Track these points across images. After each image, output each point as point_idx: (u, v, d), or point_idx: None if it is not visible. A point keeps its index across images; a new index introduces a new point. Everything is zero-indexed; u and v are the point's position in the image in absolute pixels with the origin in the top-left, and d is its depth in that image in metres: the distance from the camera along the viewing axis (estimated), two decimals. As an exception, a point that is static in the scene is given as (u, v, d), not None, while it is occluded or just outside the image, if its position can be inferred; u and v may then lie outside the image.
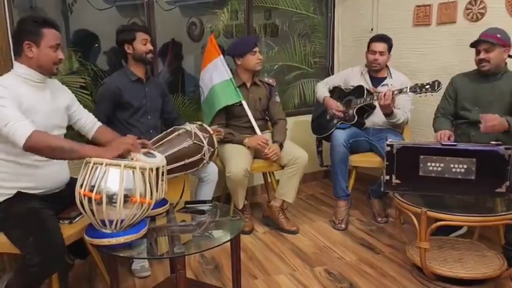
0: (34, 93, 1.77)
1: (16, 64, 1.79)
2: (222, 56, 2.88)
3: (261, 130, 2.88)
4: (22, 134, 1.61)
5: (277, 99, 3.00)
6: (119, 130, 2.40)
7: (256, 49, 2.81)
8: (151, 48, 2.49)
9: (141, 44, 2.45)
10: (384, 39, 2.91)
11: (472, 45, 2.41)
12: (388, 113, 2.75)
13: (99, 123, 2.07)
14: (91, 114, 2.08)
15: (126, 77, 2.48)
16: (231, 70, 2.87)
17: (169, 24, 3.26)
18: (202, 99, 2.96)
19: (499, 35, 2.33)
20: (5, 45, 2.42)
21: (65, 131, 1.94)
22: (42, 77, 1.82)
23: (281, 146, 2.78)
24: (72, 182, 1.89)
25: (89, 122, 2.04)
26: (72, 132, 2.12)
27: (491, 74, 2.40)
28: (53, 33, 1.79)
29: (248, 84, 2.90)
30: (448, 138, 2.37)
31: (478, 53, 2.39)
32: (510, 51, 2.39)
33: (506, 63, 2.41)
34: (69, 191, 1.77)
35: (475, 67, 2.49)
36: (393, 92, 2.68)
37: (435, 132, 2.55)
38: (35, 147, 1.63)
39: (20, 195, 1.76)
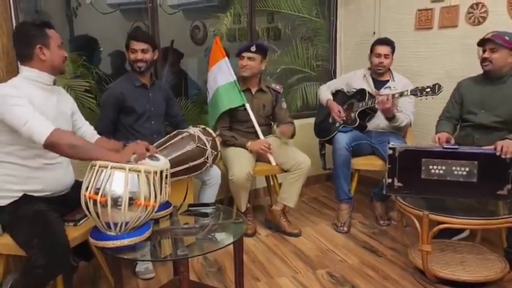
0: (43, 96, 1.79)
1: (24, 68, 1.79)
2: (227, 58, 2.90)
3: (265, 135, 2.89)
4: (43, 131, 1.62)
5: (284, 105, 2.99)
6: (122, 135, 2.43)
7: (245, 54, 2.79)
8: (141, 58, 2.44)
9: (130, 53, 2.45)
10: (388, 42, 2.93)
11: (479, 44, 2.42)
12: (390, 116, 2.76)
13: (97, 135, 2.07)
14: (91, 126, 2.08)
15: (130, 82, 2.49)
16: (235, 73, 2.88)
17: (173, 28, 3.29)
18: (208, 101, 2.98)
19: (507, 37, 2.32)
20: (11, 49, 2.45)
21: None
22: (51, 79, 1.84)
23: (292, 135, 2.86)
24: (77, 185, 1.91)
25: (88, 133, 2.05)
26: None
27: (497, 77, 2.39)
28: (55, 33, 1.83)
29: (253, 90, 2.91)
30: (447, 142, 2.38)
31: (483, 52, 2.39)
32: None
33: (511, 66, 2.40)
34: (74, 194, 1.79)
35: (477, 71, 2.50)
36: (394, 95, 2.69)
37: (436, 133, 2.56)
38: (57, 143, 1.63)
39: (26, 198, 1.78)
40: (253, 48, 2.79)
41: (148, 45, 2.47)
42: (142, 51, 2.45)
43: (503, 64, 2.35)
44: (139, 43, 2.45)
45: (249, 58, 2.79)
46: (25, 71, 1.79)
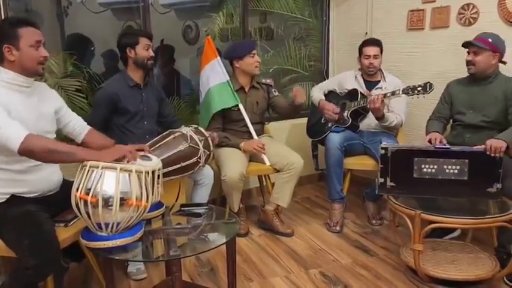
0: (21, 100, 1.73)
1: (1, 70, 1.73)
2: (219, 57, 2.89)
3: (258, 134, 2.89)
4: (16, 137, 1.58)
5: (277, 93, 3.01)
6: (115, 135, 2.41)
7: (255, 52, 2.83)
8: (153, 54, 2.50)
9: (144, 50, 2.45)
10: (376, 42, 2.95)
11: (464, 45, 2.46)
12: (379, 116, 2.77)
13: (88, 127, 2.03)
14: (80, 118, 2.04)
15: (124, 82, 2.47)
16: (228, 73, 2.88)
17: (165, 28, 3.27)
18: (201, 101, 2.98)
19: (490, 40, 2.36)
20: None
21: (54, 135, 1.91)
22: (29, 81, 1.77)
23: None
24: (65, 184, 1.90)
25: (78, 126, 2.01)
26: (60, 138, 2.06)
27: (483, 77, 2.44)
28: (30, 32, 1.72)
29: (246, 88, 2.91)
30: (440, 142, 2.40)
31: (468, 54, 2.44)
32: (503, 56, 2.41)
33: (498, 67, 2.44)
34: (63, 194, 1.77)
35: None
36: (385, 94, 2.71)
37: (426, 133, 2.58)
38: (31, 150, 1.60)
39: (14, 199, 1.76)
40: (256, 45, 2.85)
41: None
42: (152, 48, 2.51)
43: (486, 66, 2.39)
44: (149, 40, 2.49)
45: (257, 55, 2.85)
46: (1, 72, 1.73)
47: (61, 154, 1.64)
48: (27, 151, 1.60)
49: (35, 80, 1.83)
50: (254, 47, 2.85)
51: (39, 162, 1.79)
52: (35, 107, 1.79)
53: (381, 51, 2.94)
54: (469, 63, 2.42)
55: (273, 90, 3.00)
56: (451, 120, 2.66)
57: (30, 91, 1.80)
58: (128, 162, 1.70)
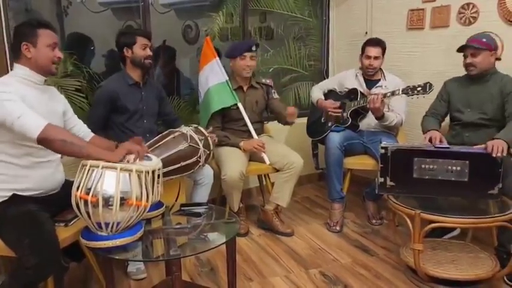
0: (36, 96, 1.79)
1: (15, 66, 1.81)
2: (218, 58, 2.89)
3: (258, 133, 2.89)
4: (37, 125, 1.62)
5: (276, 96, 3.01)
6: (115, 134, 2.42)
7: (247, 54, 2.78)
8: (151, 54, 2.49)
9: (141, 49, 2.45)
10: (379, 43, 2.94)
11: (459, 50, 2.46)
12: (379, 116, 2.77)
13: (92, 134, 2.07)
14: (84, 124, 2.08)
15: (123, 80, 2.48)
16: (227, 73, 2.88)
17: (165, 27, 3.27)
18: (200, 101, 2.98)
19: (484, 39, 2.39)
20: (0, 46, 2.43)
21: None
22: (42, 79, 1.84)
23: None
24: (67, 184, 1.90)
25: (82, 131, 2.04)
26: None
27: (481, 76, 2.45)
28: (48, 33, 1.82)
29: (245, 88, 2.91)
30: (440, 141, 2.40)
31: (465, 57, 2.44)
32: (498, 54, 2.45)
33: (495, 65, 2.46)
34: (64, 193, 1.77)
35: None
36: (385, 94, 2.71)
37: (423, 130, 2.59)
38: (49, 138, 1.63)
39: (15, 198, 1.76)
40: (254, 48, 2.80)
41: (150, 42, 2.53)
42: (150, 47, 2.50)
43: (486, 66, 2.41)
44: (146, 39, 2.49)
45: (252, 57, 2.81)
46: (16, 68, 1.81)
47: (75, 146, 1.67)
48: (45, 139, 1.64)
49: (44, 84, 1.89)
50: (248, 49, 2.78)
51: (45, 159, 1.82)
52: (46, 104, 1.84)
53: (383, 53, 2.94)
54: (469, 65, 2.41)
55: (272, 91, 3.00)
56: (446, 118, 2.67)
57: (43, 89, 1.86)
58: (127, 160, 1.69)
